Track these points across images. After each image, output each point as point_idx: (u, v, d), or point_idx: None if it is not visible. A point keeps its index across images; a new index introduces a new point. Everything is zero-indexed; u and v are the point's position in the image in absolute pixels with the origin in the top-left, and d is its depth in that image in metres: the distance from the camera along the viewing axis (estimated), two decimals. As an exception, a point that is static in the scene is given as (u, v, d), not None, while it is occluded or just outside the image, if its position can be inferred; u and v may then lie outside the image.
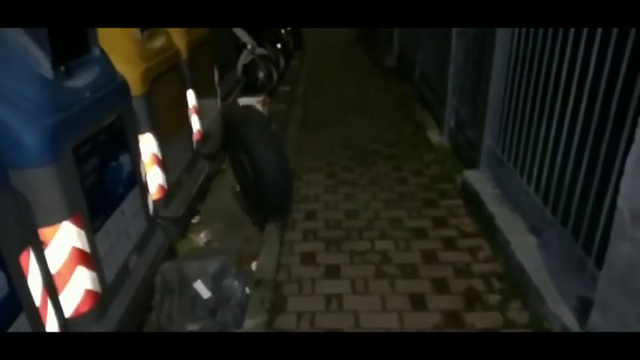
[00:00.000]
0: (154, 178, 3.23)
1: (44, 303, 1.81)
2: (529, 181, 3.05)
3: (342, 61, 10.68)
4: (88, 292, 2.15)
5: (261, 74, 7.37)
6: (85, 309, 2.15)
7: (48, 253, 1.97)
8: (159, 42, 3.49)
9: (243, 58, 7.12)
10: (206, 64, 4.75)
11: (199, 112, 4.30)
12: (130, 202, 2.62)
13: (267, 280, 2.95)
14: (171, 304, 2.61)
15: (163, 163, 3.31)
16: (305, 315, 2.70)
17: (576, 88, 2.49)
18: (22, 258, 1.69)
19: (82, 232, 2.09)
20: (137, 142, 2.83)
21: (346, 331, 2.57)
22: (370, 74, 8.98)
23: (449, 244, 3.32)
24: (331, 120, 6.29)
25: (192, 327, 2.51)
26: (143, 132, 3.05)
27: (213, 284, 2.68)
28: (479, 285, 2.88)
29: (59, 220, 1.99)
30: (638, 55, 2.00)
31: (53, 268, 2.01)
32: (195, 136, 4.23)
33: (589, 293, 2.15)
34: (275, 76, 7.73)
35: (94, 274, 2.18)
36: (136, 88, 2.90)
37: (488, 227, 3.29)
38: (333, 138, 5.56)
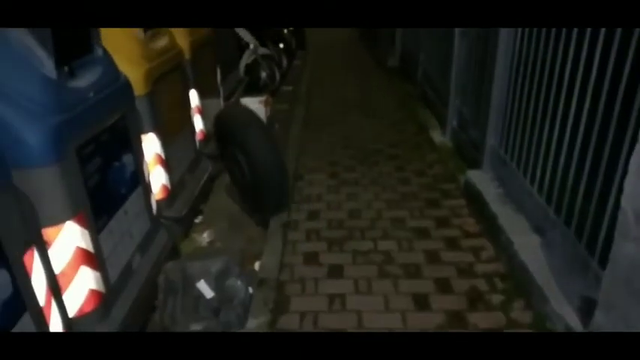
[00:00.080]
0: (157, 178, 3.24)
1: (48, 303, 1.82)
2: (532, 181, 3.04)
3: (345, 60, 10.67)
4: (92, 291, 2.16)
5: (263, 74, 7.37)
6: (88, 309, 2.15)
7: (52, 253, 1.98)
8: (162, 42, 3.49)
9: (246, 58, 7.12)
10: (209, 64, 4.76)
11: (202, 112, 4.31)
12: (133, 202, 2.62)
13: (270, 279, 2.96)
14: (174, 303, 2.61)
15: (166, 163, 3.32)
16: (308, 315, 2.70)
17: (579, 87, 2.49)
18: (26, 258, 1.70)
19: (86, 232, 2.10)
20: (140, 142, 2.84)
21: (349, 331, 2.57)
22: (372, 74, 8.97)
23: (452, 244, 3.32)
24: (333, 120, 6.28)
25: (196, 327, 2.52)
26: (146, 132, 3.06)
27: (217, 284, 2.69)
28: (482, 285, 2.87)
29: (63, 220, 1.99)
30: (642, 55, 2.00)
31: (57, 268, 2.02)
32: (198, 136, 4.24)
33: (593, 293, 2.14)
34: (277, 75, 7.73)
35: (97, 273, 2.19)
36: (138, 88, 2.91)
37: (491, 227, 3.28)
38: (335, 138, 5.56)
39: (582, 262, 2.39)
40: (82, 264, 2.09)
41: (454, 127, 4.89)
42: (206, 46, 4.59)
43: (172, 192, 3.42)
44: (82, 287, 2.12)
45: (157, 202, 3.05)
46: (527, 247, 2.84)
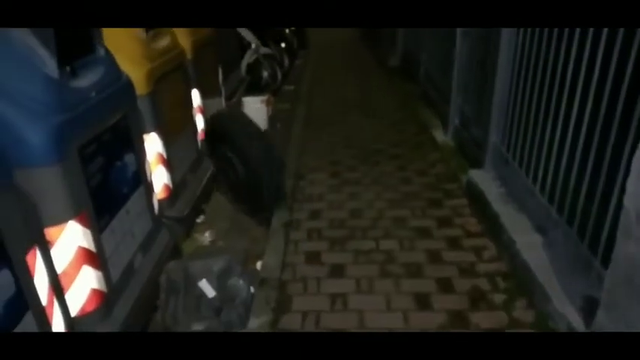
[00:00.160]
0: (159, 178, 3.24)
1: (50, 302, 1.82)
2: (534, 181, 3.04)
3: (346, 60, 10.67)
4: (94, 291, 2.16)
5: (265, 73, 7.38)
6: (90, 308, 2.16)
7: (54, 252, 1.98)
8: (163, 42, 3.49)
9: (248, 58, 7.13)
10: (211, 64, 4.76)
11: (204, 112, 4.31)
12: (135, 202, 2.62)
13: (272, 279, 2.96)
14: (176, 303, 2.62)
15: (168, 163, 3.32)
16: (310, 314, 2.70)
17: (582, 87, 2.48)
18: (29, 257, 1.70)
19: (88, 232, 2.10)
20: (142, 141, 2.84)
21: (351, 330, 2.57)
22: (374, 73, 8.97)
23: (454, 243, 3.32)
24: (335, 119, 6.28)
25: (197, 326, 2.52)
26: (148, 131, 3.06)
27: (218, 283, 2.69)
28: (484, 284, 2.87)
29: (65, 220, 2.00)
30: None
31: (59, 267, 2.02)
32: (200, 136, 4.24)
33: (595, 293, 2.14)
34: (279, 75, 7.73)
35: (99, 273, 2.19)
36: (140, 87, 2.91)
37: (493, 226, 3.28)
38: (336, 138, 5.56)
39: (585, 261, 2.39)
40: (84, 263, 2.10)
41: (456, 126, 4.88)
42: (208, 45, 4.59)
43: (174, 191, 3.42)
44: (84, 287, 2.12)
45: (159, 201, 3.06)
46: (530, 246, 2.83)
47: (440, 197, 3.98)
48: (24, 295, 1.64)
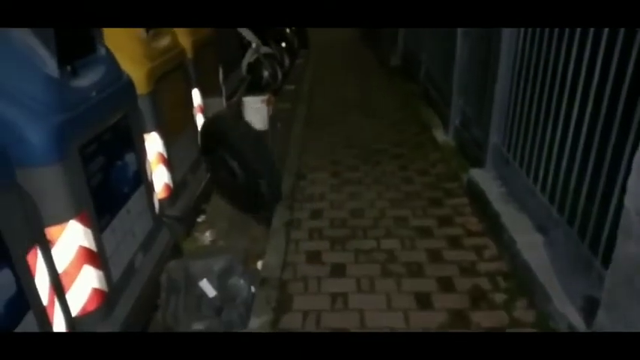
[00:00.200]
0: (160, 177, 3.25)
1: (51, 302, 1.82)
2: (535, 180, 3.04)
3: (347, 60, 10.66)
4: (95, 290, 2.16)
5: (265, 73, 7.38)
6: (91, 308, 2.16)
7: (55, 252, 1.98)
8: (164, 41, 3.50)
9: (248, 57, 7.13)
10: (211, 63, 4.76)
11: (204, 111, 4.31)
12: (135, 201, 2.63)
13: (273, 278, 2.96)
14: (176, 302, 2.62)
15: (169, 162, 3.32)
16: (311, 314, 2.70)
17: (583, 87, 2.48)
18: (29, 257, 1.70)
19: (89, 231, 2.11)
20: (143, 141, 2.84)
21: (352, 330, 2.57)
22: (375, 73, 8.96)
23: (454, 242, 3.32)
24: (335, 119, 6.28)
25: (198, 326, 2.52)
26: (149, 131, 3.06)
27: (219, 283, 2.69)
28: (484, 284, 2.87)
29: (66, 219, 2.00)
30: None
31: (60, 267, 2.02)
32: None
33: (596, 292, 2.14)
34: (280, 74, 7.73)
35: (100, 272, 2.19)
36: (141, 87, 2.91)
37: (493, 226, 3.28)
38: (336, 137, 5.55)
39: (585, 261, 2.38)
40: (84, 263, 2.10)
41: (457, 126, 4.88)
42: (208, 45, 4.59)
43: (175, 191, 3.43)
44: (84, 286, 2.12)
45: (160, 201, 3.06)
46: (530, 246, 2.83)
47: (440, 196, 3.98)
48: (25, 295, 1.64)
